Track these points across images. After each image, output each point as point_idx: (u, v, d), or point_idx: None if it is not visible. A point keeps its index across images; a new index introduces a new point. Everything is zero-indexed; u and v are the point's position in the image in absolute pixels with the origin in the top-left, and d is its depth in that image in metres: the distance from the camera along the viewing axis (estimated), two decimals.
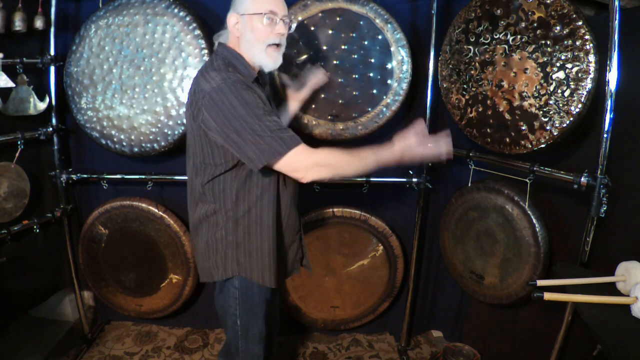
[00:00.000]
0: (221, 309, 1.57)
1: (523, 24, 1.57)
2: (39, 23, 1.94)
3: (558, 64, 1.47)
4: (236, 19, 1.40)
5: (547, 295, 1.18)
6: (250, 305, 1.52)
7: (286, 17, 1.42)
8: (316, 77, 1.87)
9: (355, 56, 1.99)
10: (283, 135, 1.28)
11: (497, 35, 1.66)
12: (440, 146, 1.37)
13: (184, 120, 1.96)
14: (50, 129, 2.13)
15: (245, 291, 1.50)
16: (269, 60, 1.41)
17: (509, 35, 1.62)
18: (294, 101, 1.85)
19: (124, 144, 2.08)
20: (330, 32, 1.98)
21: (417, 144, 1.34)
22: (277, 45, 1.41)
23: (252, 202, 1.43)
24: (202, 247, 1.50)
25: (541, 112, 1.54)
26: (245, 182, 1.41)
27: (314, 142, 2.15)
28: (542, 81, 1.53)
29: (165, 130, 2.02)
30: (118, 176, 2.22)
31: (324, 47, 1.99)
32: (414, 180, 2.17)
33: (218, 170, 1.39)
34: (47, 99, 2.08)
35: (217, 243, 1.47)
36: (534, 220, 1.78)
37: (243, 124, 1.26)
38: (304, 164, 1.32)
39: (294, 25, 1.51)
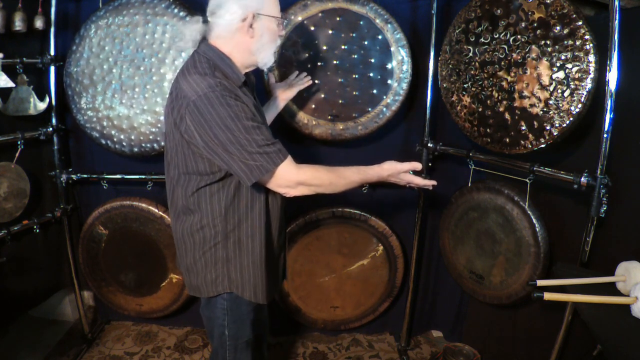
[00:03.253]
0: (208, 320, 1.52)
1: (523, 24, 1.57)
2: (39, 23, 1.94)
3: (558, 64, 1.47)
4: (252, 17, 1.29)
5: (547, 295, 1.18)
6: (238, 315, 1.47)
7: None
8: (302, 82, 1.92)
9: (355, 56, 1.99)
10: (270, 150, 1.23)
11: (497, 35, 1.66)
12: (428, 181, 1.50)
13: None
14: (50, 129, 2.13)
15: (234, 301, 1.44)
16: (273, 59, 1.40)
17: (509, 35, 1.62)
18: (281, 100, 1.86)
19: (124, 144, 2.08)
20: (330, 32, 1.98)
21: (406, 171, 1.44)
22: None
23: (242, 215, 1.37)
24: (189, 262, 1.43)
25: (541, 112, 1.54)
26: (234, 194, 1.34)
27: (314, 142, 2.16)
28: (542, 81, 1.53)
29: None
30: (118, 176, 2.22)
31: (324, 47, 1.99)
32: None
33: (204, 181, 1.31)
34: (47, 99, 2.08)
35: (206, 259, 1.40)
36: (534, 220, 1.78)
37: (230, 137, 1.19)
38: (288, 182, 1.29)
39: None
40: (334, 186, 1.36)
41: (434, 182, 1.50)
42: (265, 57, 1.37)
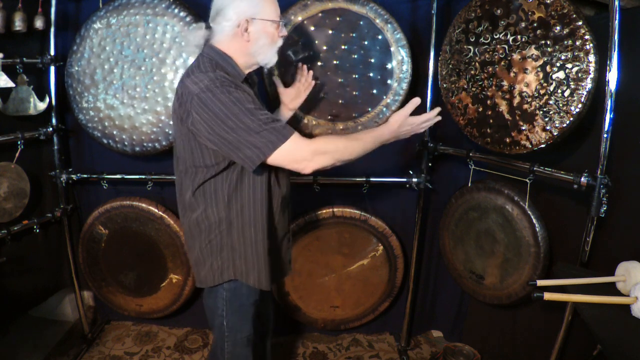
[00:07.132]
0: (209, 310, 1.55)
1: (523, 24, 1.57)
2: (39, 23, 1.94)
3: (558, 64, 1.48)
4: (247, 22, 1.35)
5: (547, 295, 1.18)
6: (238, 306, 1.50)
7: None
8: (307, 85, 1.79)
9: (355, 56, 1.99)
10: (276, 126, 1.26)
11: (497, 35, 1.66)
12: (433, 111, 1.48)
13: None
14: (50, 129, 2.13)
15: (234, 292, 1.48)
16: (275, 58, 1.44)
17: (509, 35, 1.62)
18: (287, 110, 1.79)
19: (126, 143, 2.08)
20: (330, 32, 1.98)
21: (410, 113, 1.43)
22: None
23: (244, 203, 1.40)
24: (197, 252, 1.47)
25: (541, 112, 1.54)
26: (237, 183, 1.38)
27: None
28: (542, 81, 1.53)
29: (166, 130, 2.03)
30: (118, 176, 2.22)
31: (324, 47, 1.99)
32: (414, 180, 2.17)
33: (210, 172, 1.36)
34: (47, 99, 2.08)
35: (212, 246, 1.44)
36: (534, 220, 1.78)
37: (236, 121, 1.23)
38: (303, 153, 1.29)
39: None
40: (351, 149, 1.35)
41: (438, 109, 1.48)
42: (266, 58, 1.42)
